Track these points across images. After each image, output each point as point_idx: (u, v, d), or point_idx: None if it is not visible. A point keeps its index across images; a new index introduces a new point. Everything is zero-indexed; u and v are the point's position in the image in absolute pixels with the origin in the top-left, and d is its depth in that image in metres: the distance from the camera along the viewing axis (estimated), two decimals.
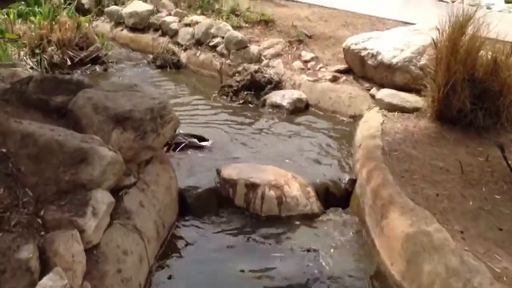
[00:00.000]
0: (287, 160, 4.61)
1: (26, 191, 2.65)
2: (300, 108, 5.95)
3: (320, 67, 6.43)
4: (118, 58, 7.90)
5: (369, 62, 5.73)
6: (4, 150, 2.76)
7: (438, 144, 4.40)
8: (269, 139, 5.12)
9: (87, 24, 7.62)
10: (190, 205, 3.84)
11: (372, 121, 5.05)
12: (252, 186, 3.88)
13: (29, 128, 2.84)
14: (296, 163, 4.55)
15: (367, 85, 5.98)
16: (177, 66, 7.64)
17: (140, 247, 2.99)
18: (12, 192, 2.62)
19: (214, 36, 7.46)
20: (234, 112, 5.84)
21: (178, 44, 7.94)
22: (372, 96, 5.76)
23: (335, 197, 4.15)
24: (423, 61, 5.34)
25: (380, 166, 3.88)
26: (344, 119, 5.74)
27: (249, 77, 6.19)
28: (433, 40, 4.81)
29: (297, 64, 6.61)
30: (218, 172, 4.09)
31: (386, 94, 5.32)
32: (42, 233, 2.46)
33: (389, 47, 5.55)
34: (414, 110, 5.13)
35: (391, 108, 5.21)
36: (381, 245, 3.37)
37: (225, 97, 6.24)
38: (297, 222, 3.80)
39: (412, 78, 5.36)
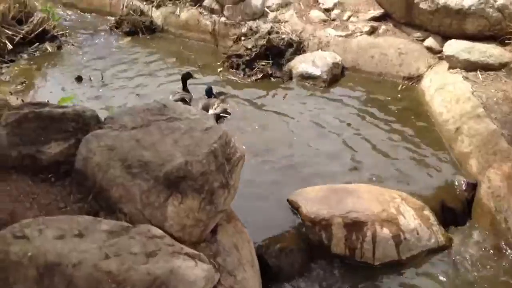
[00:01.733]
0: (361, 160, 3.55)
1: None
2: (336, 76, 4.79)
3: (349, 16, 5.21)
4: (71, 28, 6.25)
5: (422, 6, 4.57)
6: None
7: None
8: (317, 129, 3.97)
9: None
10: (273, 267, 2.73)
11: (453, 88, 4.01)
12: (355, 226, 2.81)
13: (47, 250, 1.58)
14: (377, 165, 3.50)
15: (417, 34, 4.86)
16: (151, 29, 6.14)
17: None
18: None
19: None
20: (255, 91, 4.61)
21: None
22: (430, 49, 4.68)
23: (453, 212, 3.17)
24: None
25: None
26: (399, 83, 4.65)
27: (263, 41, 4.89)
28: None
29: (316, 14, 5.34)
30: (293, 205, 2.99)
31: (460, 48, 4.23)
32: None
33: None
34: (501, 66, 4.12)
35: (469, 66, 4.17)
36: None
37: (235, 70, 4.95)
38: (427, 266, 2.82)
39: (489, 23, 4.29)
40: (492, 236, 2.98)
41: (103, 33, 6.18)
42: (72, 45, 5.82)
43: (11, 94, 4.40)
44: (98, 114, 2.57)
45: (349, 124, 4.01)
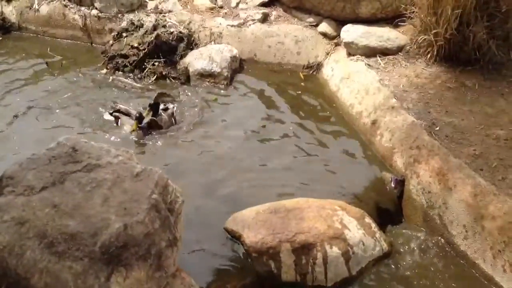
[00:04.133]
0: (281, 167, 3.42)
1: None
2: (236, 70, 4.57)
3: (237, 3, 4.98)
4: None
5: None
6: None
7: (469, 99, 3.64)
8: (232, 139, 3.70)
9: None
10: None
11: (359, 78, 4.03)
12: (304, 249, 2.67)
13: None
14: (299, 171, 3.39)
15: (309, 19, 4.81)
16: (5, 28, 5.31)
17: None
18: None
19: None
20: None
21: None
22: (325, 35, 4.67)
23: (388, 213, 3.20)
24: None
25: (455, 164, 2.96)
26: (300, 73, 4.58)
27: (151, 38, 4.45)
28: None
29: (201, 1, 5.02)
30: (233, 234, 2.76)
31: (357, 34, 4.25)
32: None
33: None
34: (398, 50, 4.24)
35: (369, 52, 4.23)
36: None
37: (121, 73, 4.46)
38: (378, 277, 2.79)
39: (382, 6, 4.38)
40: (427, 233, 3.05)
41: None
42: None
43: None
44: None
45: (263, 126, 3.84)
